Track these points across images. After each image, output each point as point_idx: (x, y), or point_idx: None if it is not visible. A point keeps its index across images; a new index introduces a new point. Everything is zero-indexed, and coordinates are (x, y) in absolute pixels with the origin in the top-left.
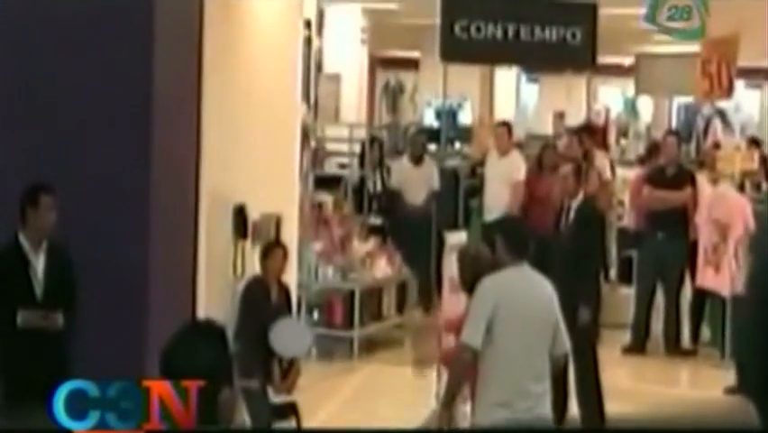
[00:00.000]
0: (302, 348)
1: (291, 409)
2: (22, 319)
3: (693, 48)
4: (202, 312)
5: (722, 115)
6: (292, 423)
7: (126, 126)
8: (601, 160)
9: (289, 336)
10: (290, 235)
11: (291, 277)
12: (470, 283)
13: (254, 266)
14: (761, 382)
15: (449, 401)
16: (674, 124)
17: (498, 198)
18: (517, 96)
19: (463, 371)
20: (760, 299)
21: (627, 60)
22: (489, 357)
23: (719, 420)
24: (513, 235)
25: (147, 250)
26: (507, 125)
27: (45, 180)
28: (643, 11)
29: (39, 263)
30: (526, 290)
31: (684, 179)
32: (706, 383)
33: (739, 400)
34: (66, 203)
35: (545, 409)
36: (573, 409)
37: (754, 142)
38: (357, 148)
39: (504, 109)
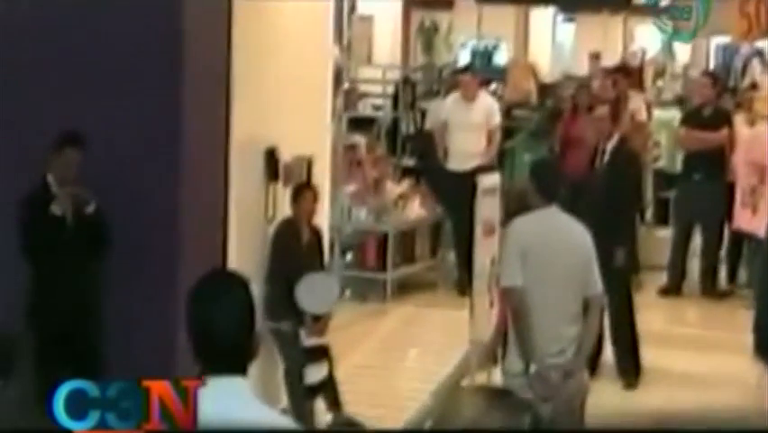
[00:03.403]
0: (327, 305)
1: (323, 352)
2: (57, 205)
3: None
4: (233, 256)
5: (761, 54)
6: (324, 365)
7: (156, 71)
8: (636, 101)
9: (315, 292)
10: (322, 178)
11: (323, 219)
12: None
13: (285, 209)
14: None
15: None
16: (712, 64)
17: (471, 145)
18: (553, 36)
19: (519, 312)
20: None
21: (664, 1)
22: None
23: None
24: (544, 178)
25: (177, 195)
26: (470, 71)
27: (76, 130)
28: None
29: (67, 205)
30: (556, 233)
31: (721, 119)
32: (742, 325)
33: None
34: (96, 148)
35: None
36: (609, 353)
37: None
38: (390, 89)
39: (539, 50)
